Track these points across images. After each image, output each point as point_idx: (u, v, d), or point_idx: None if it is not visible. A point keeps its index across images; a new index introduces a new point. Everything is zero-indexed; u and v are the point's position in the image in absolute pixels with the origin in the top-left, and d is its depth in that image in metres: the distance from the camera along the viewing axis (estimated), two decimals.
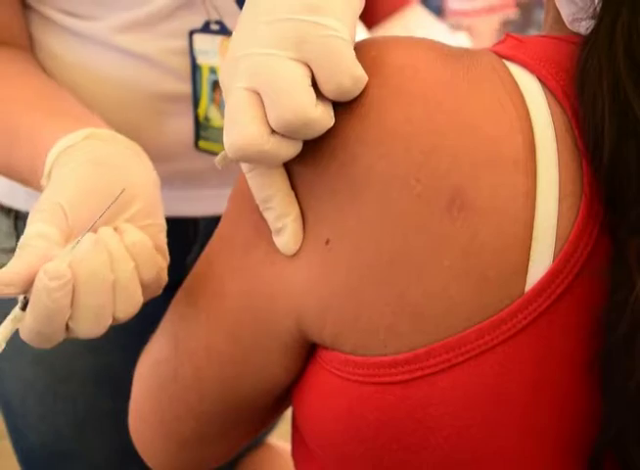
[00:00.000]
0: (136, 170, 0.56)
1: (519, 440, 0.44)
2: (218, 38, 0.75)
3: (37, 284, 0.46)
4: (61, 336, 0.48)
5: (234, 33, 0.46)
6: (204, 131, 0.79)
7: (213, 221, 0.83)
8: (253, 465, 0.85)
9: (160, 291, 0.53)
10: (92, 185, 0.53)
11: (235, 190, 0.51)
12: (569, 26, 0.47)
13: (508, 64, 0.45)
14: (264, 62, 0.43)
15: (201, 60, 0.76)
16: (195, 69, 0.76)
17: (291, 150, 0.44)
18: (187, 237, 0.85)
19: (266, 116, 0.43)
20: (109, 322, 0.49)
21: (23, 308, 0.47)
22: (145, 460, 0.60)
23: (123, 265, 0.49)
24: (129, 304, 0.50)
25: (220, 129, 0.83)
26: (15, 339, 0.83)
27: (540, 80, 0.44)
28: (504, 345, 0.42)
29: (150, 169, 0.57)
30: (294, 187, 0.46)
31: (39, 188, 0.56)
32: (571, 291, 0.42)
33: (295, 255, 0.46)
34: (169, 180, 0.79)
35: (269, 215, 0.47)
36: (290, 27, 0.43)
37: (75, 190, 0.53)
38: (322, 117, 0.43)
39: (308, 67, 0.43)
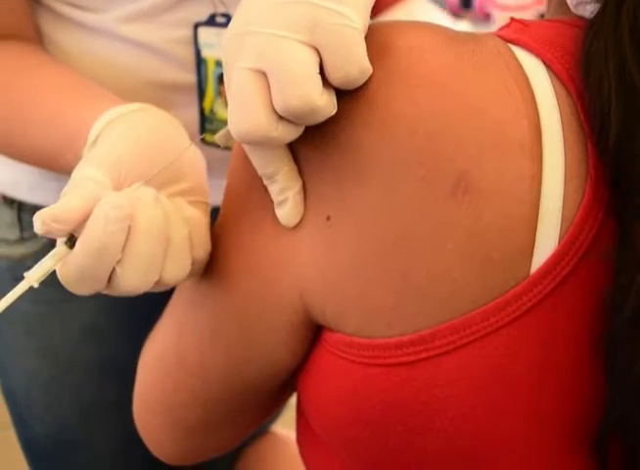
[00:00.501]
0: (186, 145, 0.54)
1: (524, 422, 0.44)
2: (225, 31, 0.75)
3: (96, 213, 0.44)
4: (103, 281, 0.46)
5: (238, 9, 0.45)
6: (209, 124, 0.79)
7: (217, 211, 0.83)
8: (258, 453, 0.85)
9: (201, 271, 0.52)
10: (146, 145, 0.52)
11: (233, 166, 0.51)
12: (573, 10, 0.47)
13: (513, 47, 0.45)
14: (274, 43, 0.42)
15: (206, 53, 0.76)
16: (200, 62, 0.76)
17: (294, 133, 0.44)
18: None
19: (272, 99, 0.43)
20: (154, 279, 0.47)
21: (71, 246, 0.45)
22: (150, 449, 0.60)
23: (179, 227, 0.48)
24: (179, 266, 0.48)
25: (226, 122, 0.83)
26: (18, 330, 0.83)
27: (545, 64, 0.44)
28: (509, 327, 0.42)
29: (197, 149, 0.56)
30: (298, 165, 0.46)
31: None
32: (577, 273, 0.42)
33: (297, 228, 0.46)
34: None
35: (273, 188, 0.47)
36: (304, 11, 0.42)
37: (130, 145, 0.51)
38: (327, 104, 0.43)
39: (317, 52, 0.42)
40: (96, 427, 0.84)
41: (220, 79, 0.77)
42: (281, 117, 0.43)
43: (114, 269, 0.46)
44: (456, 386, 0.43)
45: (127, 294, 0.47)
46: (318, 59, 0.42)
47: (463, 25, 1.42)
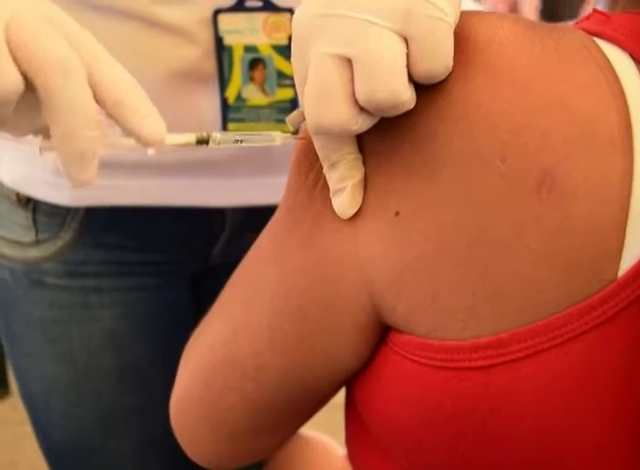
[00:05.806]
0: None
1: (603, 432, 0.42)
2: (261, 15, 0.73)
3: None
4: None
5: None
6: (234, 113, 0.77)
7: (241, 211, 0.80)
8: (287, 455, 0.83)
9: None
10: None
11: (295, 158, 0.49)
12: None
13: (597, 40, 0.43)
14: (365, 29, 0.40)
15: (231, 39, 0.74)
16: (220, 50, 0.74)
17: (370, 124, 0.42)
18: (213, 227, 0.82)
19: (355, 88, 0.40)
20: None
21: (203, 142, 0.45)
22: (186, 450, 0.57)
23: None
24: None
25: (261, 108, 0.80)
26: (36, 335, 0.81)
27: (633, 57, 0.42)
28: (594, 331, 0.40)
29: None
30: (362, 155, 0.45)
31: None
32: None
33: (361, 223, 0.44)
34: (191, 168, 0.76)
35: (332, 175, 0.45)
36: None
37: None
38: (410, 99, 0.41)
39: (406, 43, 0.40)
40: (115, 433, 0.82)
41: (251, 65, 0.75)
42: (362, 109, 0.41)
43: None
44: (534, 392, 0.41)
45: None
46: (406, 50, 0.40)
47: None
